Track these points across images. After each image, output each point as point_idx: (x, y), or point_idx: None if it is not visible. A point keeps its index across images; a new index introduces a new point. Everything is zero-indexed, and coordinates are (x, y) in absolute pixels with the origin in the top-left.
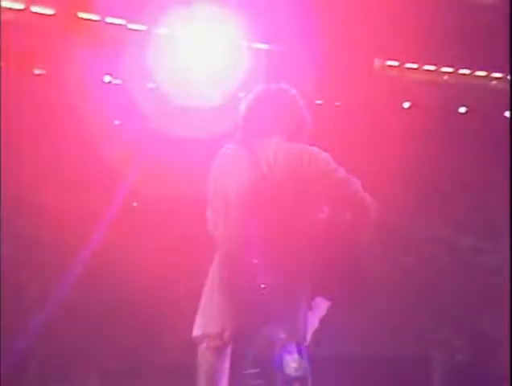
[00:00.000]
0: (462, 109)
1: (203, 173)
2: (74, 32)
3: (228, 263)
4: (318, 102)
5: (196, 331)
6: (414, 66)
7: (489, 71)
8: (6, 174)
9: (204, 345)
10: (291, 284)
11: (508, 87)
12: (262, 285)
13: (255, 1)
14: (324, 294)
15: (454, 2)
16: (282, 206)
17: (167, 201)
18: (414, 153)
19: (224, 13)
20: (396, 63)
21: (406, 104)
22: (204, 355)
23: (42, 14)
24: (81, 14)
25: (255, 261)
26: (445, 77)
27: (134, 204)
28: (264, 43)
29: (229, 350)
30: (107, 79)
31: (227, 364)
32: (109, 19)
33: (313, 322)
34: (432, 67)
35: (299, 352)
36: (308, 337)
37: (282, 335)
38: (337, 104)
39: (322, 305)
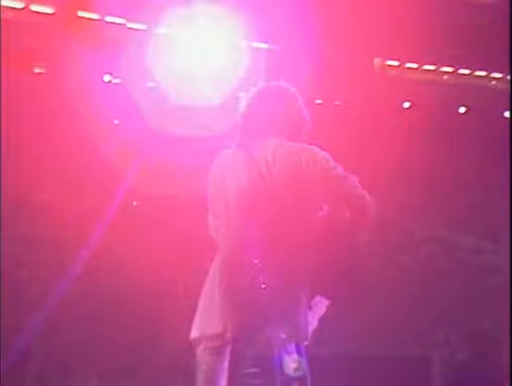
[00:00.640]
0: (462, 109)
1: (203, 172)
2: (74, 31)
3: (228, 263)
4: (318, 101)
5: (196, 332)
6: (414, 66)
7: (489, 71)
8: (7, 173)
9: (204, 345)
10: (290, 283)
11: (508, 87)
12: (263, 286)
13: (255, 0)
14: (324, 293)
15: (454, 2)
16: (281, 205)
17: (167, 200)
18: (413, 152)
19: (224, 12)
20: (396, 63)
21: (406, 104)
22: (203, 355)
23: (42, 13)
24: (81, 13)
25: (255, 261)
26: (445, 77)
27: (134, 203)
28: (264, 42)
29: (228, 350)
30: (107, 78)
31: (226, 364)
32: (108, 18)
33: (312, 321)
34: (432, 67)
35: (299, 352)
36: (308, 337)
37: (282, 335)
38: (337, 103)
39: (321, 305)
